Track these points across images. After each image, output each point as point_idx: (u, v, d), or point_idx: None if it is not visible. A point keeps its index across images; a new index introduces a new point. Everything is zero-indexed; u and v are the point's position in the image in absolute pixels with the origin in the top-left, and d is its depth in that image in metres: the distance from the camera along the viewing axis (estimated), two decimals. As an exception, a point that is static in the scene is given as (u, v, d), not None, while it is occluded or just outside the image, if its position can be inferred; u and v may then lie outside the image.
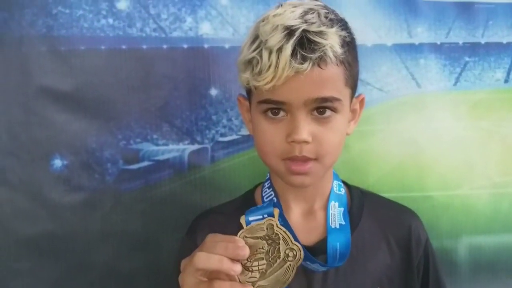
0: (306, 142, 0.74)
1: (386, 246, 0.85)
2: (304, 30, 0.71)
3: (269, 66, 0.71)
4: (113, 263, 1.00)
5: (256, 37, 0.74)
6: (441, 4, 1.05)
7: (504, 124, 1.08)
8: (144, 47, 0.98)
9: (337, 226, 0.82)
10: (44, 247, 0.98)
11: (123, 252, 1.00)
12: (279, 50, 0.70)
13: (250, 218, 0.69)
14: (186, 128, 1.01)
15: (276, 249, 0.66)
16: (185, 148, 1.01)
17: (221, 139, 1.02)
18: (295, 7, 0.74)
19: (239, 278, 0.65)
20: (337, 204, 0.85)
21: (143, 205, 1.00)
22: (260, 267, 0.66)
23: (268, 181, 0.87)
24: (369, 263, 0.84)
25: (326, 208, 0.84)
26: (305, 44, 0.70)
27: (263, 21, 0.75)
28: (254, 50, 0.73)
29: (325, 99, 0.73)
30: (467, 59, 1.07)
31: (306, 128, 0.73)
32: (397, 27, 1.04)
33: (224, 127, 1.02)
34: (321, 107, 0.74)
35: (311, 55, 0.70)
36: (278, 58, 0.70)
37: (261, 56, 0.72)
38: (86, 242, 0.99)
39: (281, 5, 0.76)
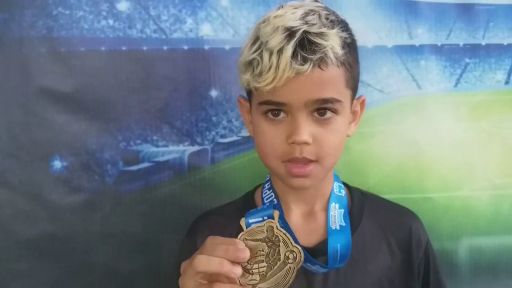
0: (306, 143, 0.73)
1: (386, 247, 0.85)
2: (305, 31, 0.71)
3: (270, 67, 0.71)
4: (113, 264, 1.00)
5: (256, 39, 0.74)
6: (441, 6, 1.05)
7: (504, 125, 1.08)
8: (145, 48, 0.98)
9: (338, 228, 0.82)
10: (44, 248, 0.98)
11: (123, 253, 1.00)
12: (280, 51, 0.70)
13: (250, 221, 0.69)
14: (186, 129, 1.01)
15: (276, 251, 0.66)
16: (185, 150, 1.01)
17: (221, 140, 1.02)
18: (296, 8, 0.74)
19: (239, 281, 0.65)
20: (337, 205, 0.85)
21: (143, 206, 1.00)
22: (261, 270, 0.66)
23: (268, 183, 0.87)
24: (370, 264, 0.83)
25: (326, 209, 0.84)
26: (305, 45, 0.70)
27: (263, 22, 0.75)
28: (255, 52, 0.73)
29: (326, 101, 0.73)
30: (467, 60, 1.07)
31: (306, 130, 0.73)
32: (398, 29, 1.04)
33: (224, 129, 1.02)
34: (322, 109, 0.74)
35: (312, 56, 0.70)
36: (278, 59, 0.70)
37: (261, 57, 0.72)
38: (86, 243, 0.99)
39: (282, 7, 0.76)
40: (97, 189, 0.99)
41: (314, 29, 0.71)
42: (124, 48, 0.97)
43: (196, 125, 1.01)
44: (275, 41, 0.71)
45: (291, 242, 0.66)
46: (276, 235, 0.67)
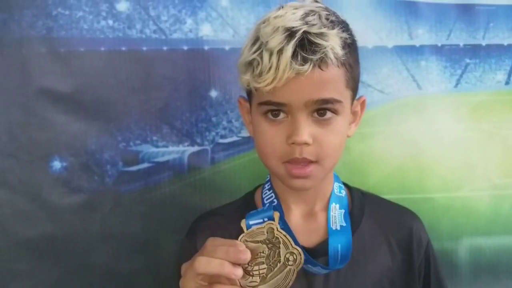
0: (306, 144, 0.73)
1: (387, 248, 0.85)
2: (305, 32, 0.71)
3: (270, 68, 0.71)
4: (112, 265, 1.00)
5: (256, 39, 0.74)
6: (441, 6, 1.05)
7: (504, 126, 1.08)
8: (144, 48, 0.98)
9: (338, 228, 0.82)
10: (43, 248, 0.98)
11: (122, 254, 1.00)
12: (280, 51, 0.70)
13: (251, 222, 0.69)
14: (186, 129, 1.01)
15: (277, 253, 0.66)
16: (185, 150, 1.01)
17: (221, 140, 1.02)
18: (296, 9, 0.74)
19: (239, 282, 0.65)
20: (337, 206, 0.85)
21: (143, 207, 1.00)
22: (261, 272, 0.66)
23: (269, 183, 0.87)
24: (370, 265, 0.83)
25: (326, 210, 0.84)
26: (306, 46, 0.70)
27: (263, 23, 0.75)
28: (255, 52, 0.73)
29: (326, 101, 0.73)
30: (468, 61, 1.07)
31: (306, 130, 0.73)
32: (398, 29, 1.04)
33: (224, 129, 1.02)
34: (322, 109, 0.74)
35: (312, 57, 0.70)
36: (278, 59, 0.70)
37: (261, 58, 0.72)
38: (86, 244, 0.99)
39: (282, 7, 0.76)
40: (97, 189, 0.99)
41: (314, 30, 0.71)
42: (123, 48, 0.97)
43: (196, 126, 1.01)
44: (275, 41, 0.70)
45: (291, 244, 0.66)
46: (276, 237, 0.66)
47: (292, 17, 0.72)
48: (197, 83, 1.00)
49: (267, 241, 0.66)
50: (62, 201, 0.97)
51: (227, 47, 1.00)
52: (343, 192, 0.87)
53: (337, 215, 0.84)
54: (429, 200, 1.06)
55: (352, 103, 0.80)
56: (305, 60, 0.70)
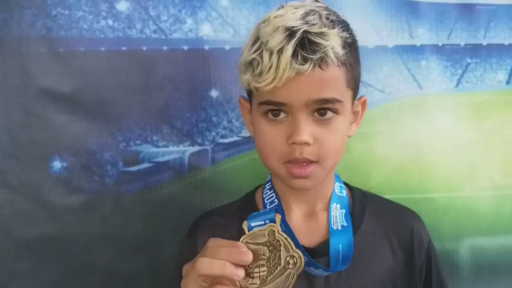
0: (307, 143, 0.73)
1: (388, 248, 0.85)
2: (305, 31, 0.70)
3: (270, 67, 0.70)
4: (113, 265, 1.00)
5: (257, 39, 0.74)
6: (442, 6, 1.05)
7: (506, 125, 1.08)
8: (144, 48, 0.98)
9: (339, 228, 0.82)
10: (43, 249, 0.98)
11: (123, 254, 1.00)
12: (280, 51, 0.70)
13: (252, 224, 0.69)
14: (187, 129, 1.01)
15: (277, 256, 0.66)
16: (186, 150, 1.01)
17: (221, 140, 1.02)
18: (296, 8, 0.74)
19: (240, 284, 0.65)
20: (338, 206, 0.84)
21: (143, 207, 1.00)
22: (261, 274, 0.66)
23: (269, 183, 0.86)
24: (372, 265, 0.83)
25: (327, 210, 0.84)
26: (306, 45, 0.70)
27: (264, 22, 0.74)
28: (255, 52, 0.73)
29: (326, 101, 0.73)
30: (468, 60, 1.06)
31: (307, 130, 0.73)
32: (399, 29, 1.04)
33: (225, 129, 1.02)
34: (322, 109, 0.74)
35: (312, 56, 0.70)
36: (278, 59, 0.70)
37: (261, 57, 0.71)
38: (86, 244, 0.99)
39: (282, 7, 0.76)
40: (97, 189, 0.99)
41: (314, 29, 0.71)
42: (123, 48, 0.97)
43: (197, 126, 1.01)
44: (275, 41, 0.70)
45: (291, 247, 0.66)
46: (277, 240, 0.66)
47: (292, 17, 0.72)
48: (198, 83, 1.00)
49: (268, 244, 0.66)
50: (62, 201, 0.98)
51: (227, 47, 0.99)
52: (344, 192, 0.87)
53: (338, 215, 0.83)
54: (430, 200, 1.06)
55: (353, 103, 0.80)
56: (305, 60, 0.70)
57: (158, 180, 1.01)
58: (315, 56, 0.70)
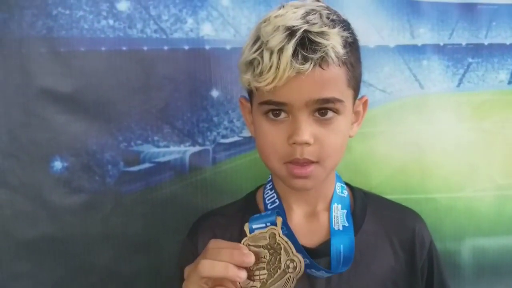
0: (307, 143, 0.73)
1: (390, 248, 0.84)
2: (306, 31, 0.70)
3: (270, 67, 0.70)
4: (113, 265, 1.00)
5: (257, 38, 0.74)
6: (444, 5, 1.05)
7: (507, 125, 1.07)
8: (145, 48, 0.98)
9: (341, 228, 0.82)
10: (44, 249, 0.98)
11: (123, 254, 1.00)
12: (280, 50, 0.70)
13: (254, 226, 0.68)
14: (187, 129, 1.01)
15: (278, 259, 0.66)
16: (186, 150, 1.01)
17: (222, 140, 1.02)
18: (297, 8, 0.74)
19: (240, 285, 0.65)
20: (339, 206, 0.84)
21: (144, 207, 1.00)
22: (261, 277, 0.66)
23: (270, 183, 0.86)
24: (373, 265, 0.83)
25: (328, 210, 0.84)
26: (306, 45, 0.70)
27: (264, 22, 0.74)
28: (256, 51, 0.73)
29: (327, 100, 0.73)
30: (470, 60, 1.06)
31: (307, 130, 0.73)
32: (400, 28, 1.04)
33: (226, 129, 1.02)
34: (323, 108, 0.74)
35: (313, 56, 0.70)
36: (279, 58, 0.70)
37: (262, 57, 0.71)
38: (87, 244, 0.99)
39: (283, 6, 0.75)
40: (98, 189, 0.99)
41: (315, 29, 0.71)
42: (124, 48, 0.97)
43: (197, 126, 1.01)
44: (276, 40, 0.70)
45: (292, 251, 0.66)
46: (278, 243, 0.66)
47: (292, 16, 0.72)
48: (198, 83, 0.99)
49: (269, 247, 0.66)
50: (63, 201, 0.97)
51: (228, 47, 0.99)
52: (345, 192, 0.87)
53: (339, 215, 0.83)
54: (431, 200, 1.06)
55: (354, 103, 0.79)
56: (305, 59, 0.69)
57: (159, 180, 1.00)
58: (316, 56, 0.70)
